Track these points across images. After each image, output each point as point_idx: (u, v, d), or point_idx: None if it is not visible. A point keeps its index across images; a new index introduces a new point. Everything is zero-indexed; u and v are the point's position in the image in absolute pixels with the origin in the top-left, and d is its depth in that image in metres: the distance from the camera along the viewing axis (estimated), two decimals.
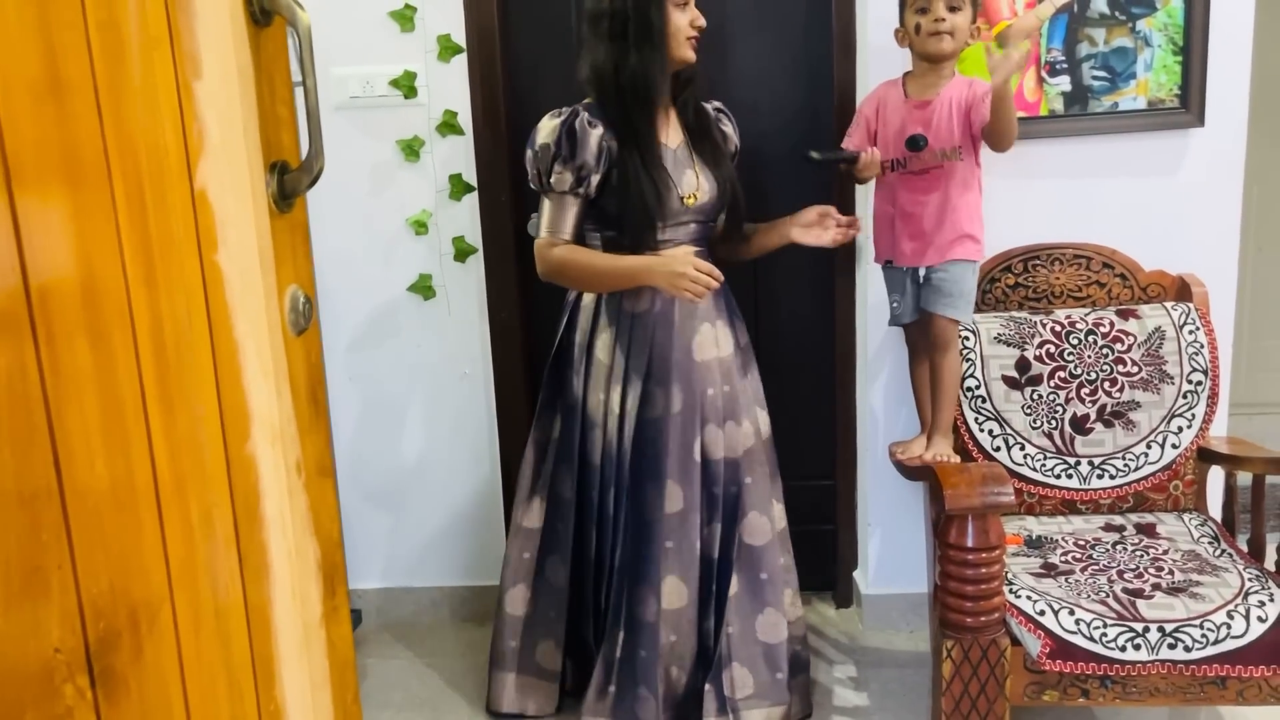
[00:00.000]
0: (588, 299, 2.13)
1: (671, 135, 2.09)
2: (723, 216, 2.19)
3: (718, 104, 2.23)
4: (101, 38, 0.76)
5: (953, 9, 1.94)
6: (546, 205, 2.05)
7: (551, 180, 2.01)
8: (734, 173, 2.16)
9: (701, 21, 2.00)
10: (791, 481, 2.65)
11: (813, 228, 2.16)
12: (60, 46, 0.71)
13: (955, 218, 2.01)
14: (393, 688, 2.43)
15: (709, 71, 2.44)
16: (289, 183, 1.02)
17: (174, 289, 0.84)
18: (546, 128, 2.01)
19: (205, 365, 0.88)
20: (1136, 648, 1.79)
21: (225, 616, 0.91)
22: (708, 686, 2.09)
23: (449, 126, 2.46)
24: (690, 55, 2.02)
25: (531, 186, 2.09)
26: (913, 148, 1.99)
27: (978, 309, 2.27)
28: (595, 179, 2.00)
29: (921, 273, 2.07)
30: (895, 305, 2.13)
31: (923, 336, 2.13)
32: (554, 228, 2.05)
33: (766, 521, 2.13)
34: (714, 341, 2.10)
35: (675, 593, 2.08)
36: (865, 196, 2.33)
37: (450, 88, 2.45)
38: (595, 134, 1.99)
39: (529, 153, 2.04)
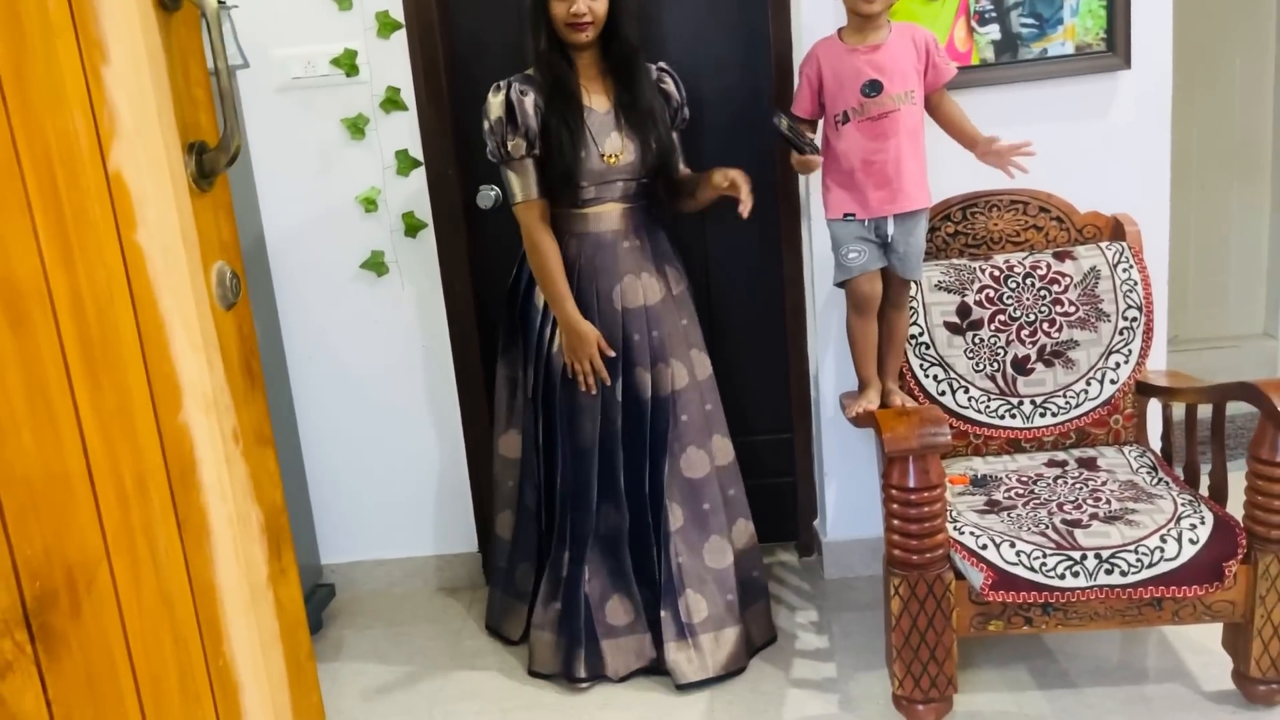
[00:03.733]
0: None
1: (600, 100, 2.20)
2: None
3: (661, 65, 2.30)
4: (1, 30, 0.79)
5: None
6: (511, 174, 2.18)
7: (509, 149, 2.15)
8: (666, 134, 2.23)
9: (579, 8, 2.07)
10: (750, 436, 2.73)
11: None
12: None
13: (917, 161, 2.04)
14: (369, 657, 2.49)
15: (650, 34, 2.48)
16: (208, 162, 1.05)
17: (94, 268, 0.88)
18: (494, 103, 2.15)
19: (130, 340, 0.92)
20: (1075, 575, 1.86)
21: (166, 578, 0.96)
22: (664, 613, 2.24)
23: (392, 103, 2.48)
24: (576, 39, 2.12)
25: (492, 159, 2.21)
26: (870, 93, 2.00)
27: None
28: (539, 140, 2.14)
29: (890, 233, 2.05)
30: (855, 255, 2.06)
31: (875, 287, 2.12)
32: (525, 191, 2.18)
33: (705, 455, 2.27)
34: (639, 291, 2.24)
35: (608, 519, 2.26)
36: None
37: (392, 64, 2.47)
38: (529, 100, 2.14)
39: (485, 126, 2.17)
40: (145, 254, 0.95)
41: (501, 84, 2.16)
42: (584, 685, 2.27)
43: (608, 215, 2.23)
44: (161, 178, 0.98)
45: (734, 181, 2.15)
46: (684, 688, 2.21)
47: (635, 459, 2.25)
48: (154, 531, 0.94)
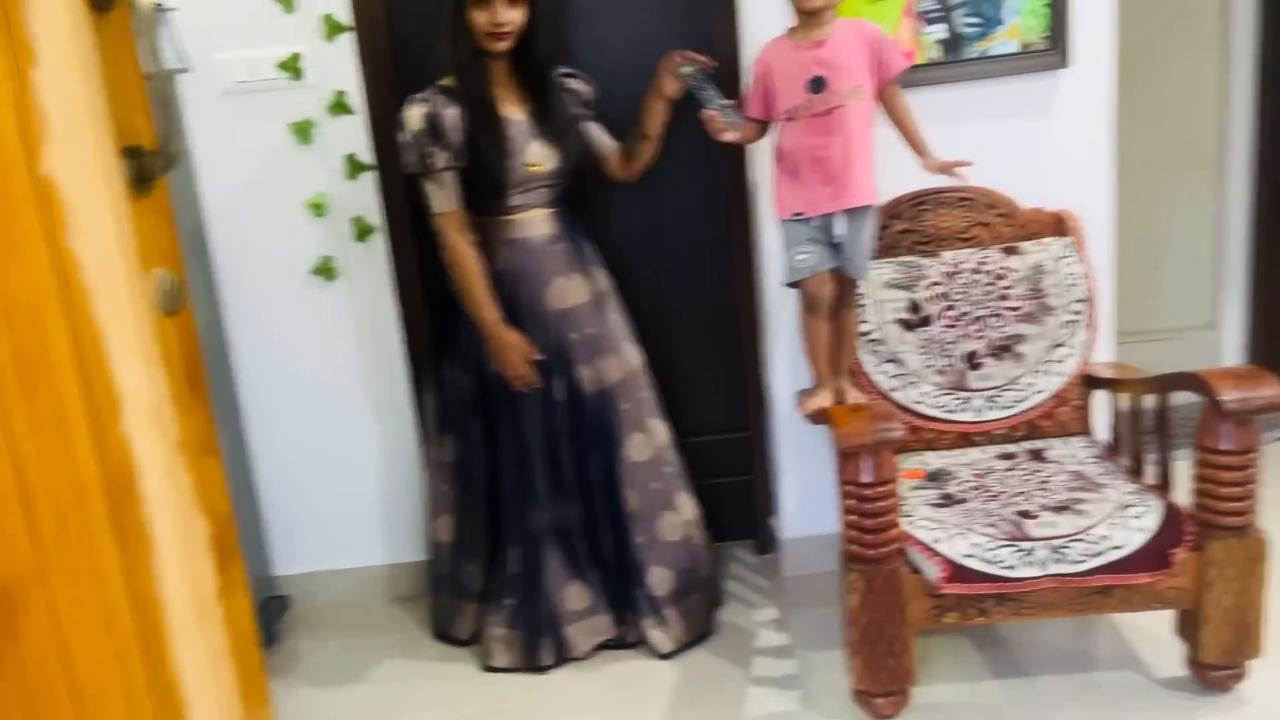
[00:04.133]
0: None
1: (515, 110, 2.25)
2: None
3: (564, 70, 2.35)
4: None
5: None
6: (431, 187, 2.20)
7: (429, 161, 2.17)
8: (582, 139, 2.32)
9: (501, 18, 2.10)
10: (706, 435, 2.74)
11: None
12: None
13: (865, 157, 2.03)
14: (326, 670, 2.45)
15: (598, 38, 2.48)
16: (145, 166, 1.03)
17: (25, 275, 0.86)
18: (414, 115, 2.16)
19: (64, 349, 0.90)
20: (1027, 565, 1.89)
21: (107, 594, 0.94)
22: (636, 593, 2.35)
23: (340, 107, 2.45)
24: (495, 48, 2.15)
25: (409, 171, 2.22)
26: (815, 89, 2.00)
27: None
28: (462, 152, 2.17)
29: (839, 231, 2.05)
30: (805, 257, 2.07)
31: (825, 288, 2.13)
32: (444, 203, 2.21)
33: (646, 439, 2.37)
34: (571, 291, 2.30)
35: (559, 512, 2.33)
36: (766, 153, 2.36)
37: (338, 67, 2.43)
38: (451, 112, 2.16)
39: (403, 139, 2.18)
40: (80, 260, 0.92)
41: (419, 96, 2.18)
42: (547, 671, 2.34)
43: (534, 221, 2.28)
44: (96, 182, 0.95)
45: (666, 73, 2.26)
46: (665, 657, 2.35)
47: (583, 452, 2.33)
48: (93, 547, 0.91)
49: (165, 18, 2.28)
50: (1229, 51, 3.36)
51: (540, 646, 2.33)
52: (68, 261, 0.90)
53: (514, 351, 2.23)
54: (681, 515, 2.40)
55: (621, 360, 2.36)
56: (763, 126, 2.14)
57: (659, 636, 2.35)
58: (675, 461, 2.43)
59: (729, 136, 2.13)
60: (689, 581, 2.39)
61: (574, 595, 2.35)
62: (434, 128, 2.15)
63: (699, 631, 2.39)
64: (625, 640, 2.39)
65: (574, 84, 2.35)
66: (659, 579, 2.35)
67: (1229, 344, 3.52)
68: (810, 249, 2.06)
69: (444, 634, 2.51)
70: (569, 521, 2.34)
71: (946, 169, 2.07)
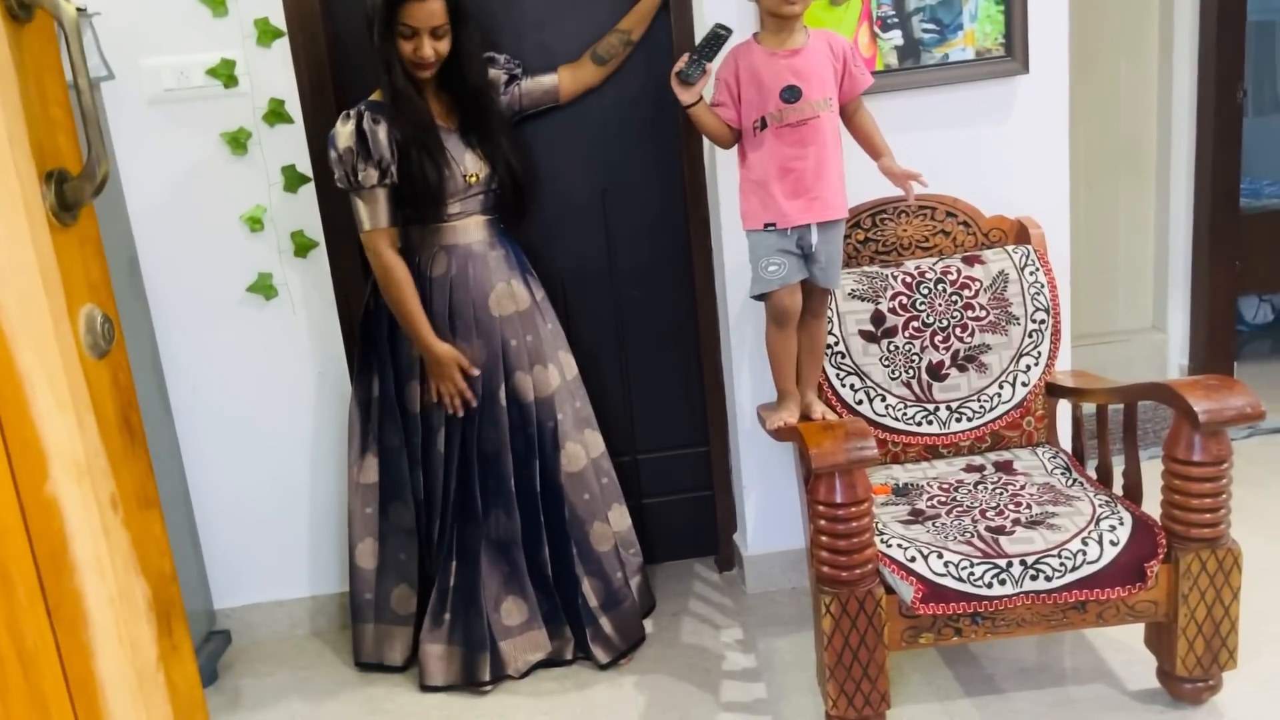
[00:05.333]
0: None
1: (444, 118, 2.24)
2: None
3: (488, 54, 2.31)
4: None
5: None
6: (360, 203, 2.17)
7: (360, 178, 2.13)
8: (514, 148, 2.30)
9: (423, 52, 2.11)
10: (667, 450, 2.68)
11: None
12: None
13: (837, 169, 1.99)
14: (270, 707, 2.33)
15: (547, 41, 2.40)
16: (70, 192, 0.92)
17: None
18: (343, 132, 2.13)
19: None
20: (1002, 583, 1.85)
21: (38, 677, 0.83)
22: (572, 604, 2.35)
23: (276, 115, 2.33)
24: (421, 75, 2.16)
25: (339, 186, 2.18)
26: (789, 99, 1.94)
27: None
28: (394, 168, 2.14)
29: (814, 242, 2.00)
30: (776, 269, 2.00)
31: (795, 300, 2.08)
32: (374, 220, 2.17)
33: (581, 449, 2.35)
34: (511, 297, 2.29)
35: (499, 524, 2.29)
36: (727, 163, 2.30)
37: (274, 74, 2.31)
38: (382, 129, 2.13)
39: (333, 155, 2.15)
40: None
41: (351, 112, 2.14)
42: (486, 689, 2.29)
43: (473, 227, 2.27)
44: (14, 212, 0.85)
45: None
46: (604, 667, 2.34)
47: (524, 461, 2.30)
48: (19, 626, 0.81)
49: (88, 22, 2.14)
50: (1170, 57, 3.39)
51: (478, 663, 2.29)
52: None
53: (449, 366, 2.21)
54: (613, 526, 2.39)
55: (559, 369, 2.35)
56: (735, 132, 2.05)
57: (597, 649, 2.34)
58: (610, 472, 2.42)
59: (686, 97, 1.99)
60: (620, 590, 2.38)
61: (510, 610, 2.32)
62: (363, 145, 2.11)
63: (633, 638, 2.39)
64: (561, 657, 2.36)
65: (493, 73, 2.32)
66: (591, 589, 2.35)
67: (1175, 346, 3.56)
68: (780, 260, 2.00)
69: (372, 663, 2.41)
70: (510, 533, 2.30)
71: (900, 178, 2.02)
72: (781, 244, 1.99)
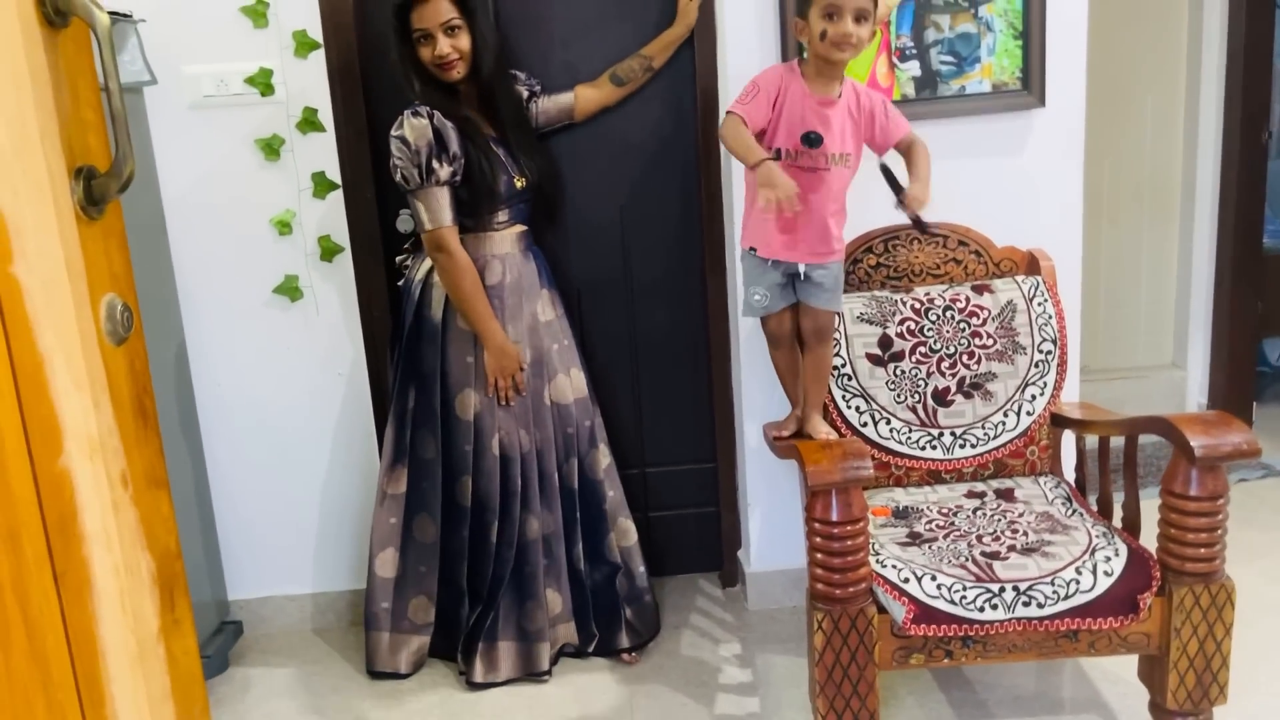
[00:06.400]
0: (438, 277, 2.29)
1: (490, 127, 2.31)
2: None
3: (512, 72, 2.40)
4: None
5: (859, 20, 1.91)
6: (427, 199, 2.19)
7: (434, 175, 2.17)
8: (545, 152, 2.40)
9: (444, 50, 2.16)
10: (675, 466, 2.72)
11: None
12: None
13: (833, 222, 2.03)
14: (278, 698, 2.39)
15: (572, 63, 2.46)
16: (97, 188, 0.99)
17: None
18: (415, 127, 2.16)
19: (4, 380, 0.86)
20: (994, 608, 1.87)
21: (40, 638, 0.89)
22: (603, 597, 2.44)
23: (309, 123, 2.41)
24: (448, 78, 2.21)
25: (403, 185, 2.20)
26: (808, 144, 1.98)
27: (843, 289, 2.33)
28: (462, 168, 2.20)
29: (801, 270, 2.05)
30: (760, 298, 2.08)
31: (785, 328, 2.14)
32: (441, 217, 2.20)
33: (607, 449, 2.45)
34: (549, 304, 2.39)
35: (542, 519, 2.37)
36: (743, 186, 2.35)
37: (309, 84, 2.40)
38: (450, 126, 2.19)
39: (403, 151, 2.17)
40: (23, 288, 0.88)
41: (421, 110, 2.17)
42: (546, 678, 2.38)
43: (517, 236, 2.34)
44: (44, 205, 0.91)
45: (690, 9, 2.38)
46: (629, 650, 2.45)
47: (564, 458, 2.39)
48: (26, 587, 0.86)
49: (133, 29, 2.24)
50: (1197, 96, 3.40)
51: (537, 653, 2.38)
52: (10, 289, 0.86)
53: (514, 360, 2.27)
54: (631, 529, 2.47)
55: (585, 373, 2.44)
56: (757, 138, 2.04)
57: (626, 637, 2.45)
58: (617, 487, 2.48)
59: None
60: (641, 586, 2.47)
61: (552, 601, 2.41)
62: (439, 140, 2.15)
63: (653, 631, 2.49)
64: (584, 650, 2.45)
65: (520, 87, 2.40)
66: (621, 583, 2.45)
67: (1194, 384, 3.55)
68: (764, 290, 2.07)
69: (384, 671, 2.43)
70: (553, 527, 2.38)
71: (916, 210, 2.03)
72: (767, 272, 2.06)
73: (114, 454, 1.00)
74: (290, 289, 2.47)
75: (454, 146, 2.17)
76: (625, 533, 2.45)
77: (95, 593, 0.96)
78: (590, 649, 2.45)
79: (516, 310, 2.31)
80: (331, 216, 2.46)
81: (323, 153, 2.43)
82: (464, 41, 2.18)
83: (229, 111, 2.40)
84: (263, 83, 2.37)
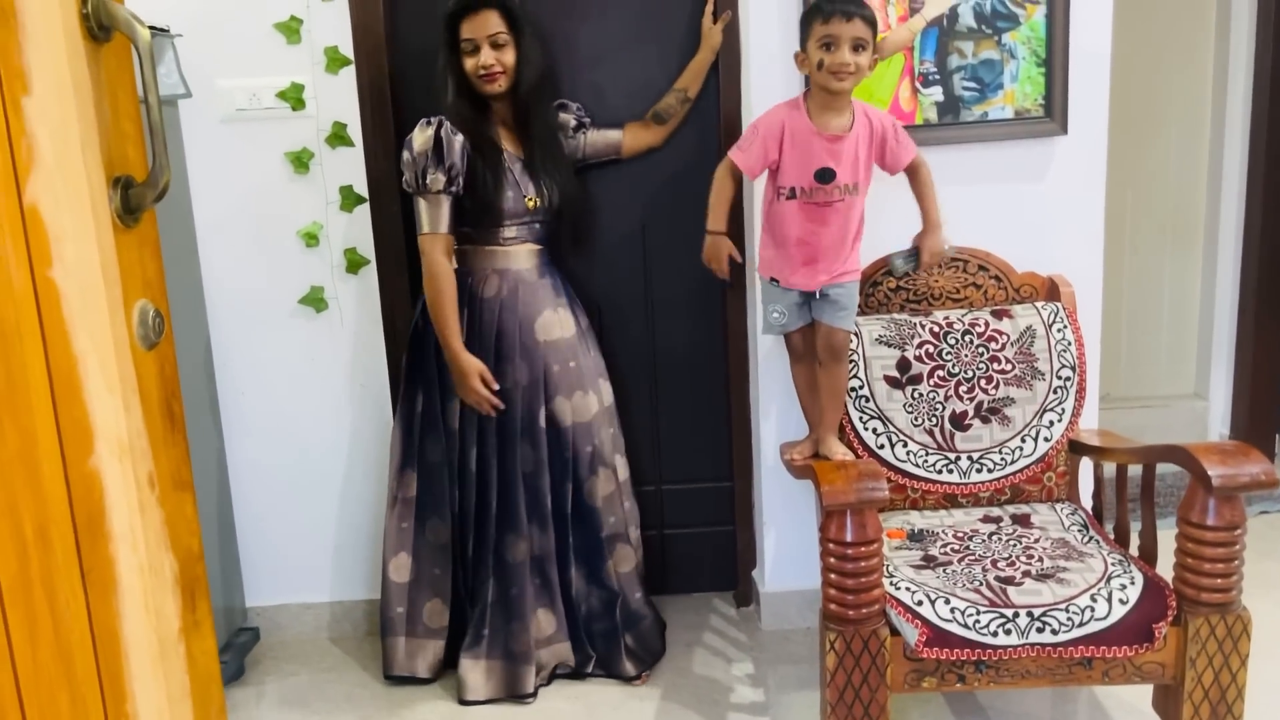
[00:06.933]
0: None
1: (514, 147, 2.35)
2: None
3: (561, 101, 2.46)
4: None
5: (857, 49, 1.96)
6: (424, 205, 2.26)
7: (427, 181, 2.23)
8: (572, 179, 2.40)
9: (487, 61, 2.23)
10: (691, 484, 2.73)
11: None
12: None
13: (848, 247, 2.10)
14: (292, 706, 2.41)
15: (597, 87, 2.49)
16: (134, 197, 1.02)
17: (2, 305, 0.84)
18: (420, 136, 2.24)
19: (40, 381, 0.88)
20: (1007, 633, 1.86)
21: (66, 633, 0.91)
22: (599, 622, 2.43)
23: (338, 138, 2.45)
24: (489, 90, 2.27)
25: (406, 189, 2.29)
26: (821, 180, 2.03)
27: (861, 312, 2.35)
28: (462, 179, 2.24)
29: (817, 291, 2.11)
30: (778, 316, 2.15)
31: (806, 343, 2.19)
32: (434, 224, 2.26)
33: (612, 474, 2.43)
34: (557, 324, 2.38)
35: (535, 540, 2.37)
36: (755, 203, 2.38)
37: (339, 99, 2.44)
38: (458, 140, 2.24)
39: (405, 157, 2.25)
40: (61, 292, 0.91)
41: (432, 120, 2.25)
42: (530, 700, 2.36)
43: (526, 253, 2.36)
44: (82, 213, 0.94)
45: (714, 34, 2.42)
46: (631, 679, 2.42)
47: (559, 481, 2.38)
48: (54, 583, 0.89)
49: (170, 43, 2.29)
50: (1222, 126, 3.40)
51: (522, 675, 2.35)
52: (48, 293, 0.89)
53: (473, 377, 2.27)
54: (633, 548, 2.47)
55: (598, 397, 2.42)
56: (738, 179, 2.15)
57: (628, 664, 2.42)
58: (633, 496, 2.51)
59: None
60: (639, 609, 2.47)
61: (541, 622, 2.40)
62: (437, 150, 2.21)
63: (657, 653, 2.49)
64: (582, 670, 2.44)
65: (563, 116, 2.45)
66: (617, 606, 2.43)
67: (1216, 414, 3.53)
68: (782, 309, 2.14)
69: (401, 675, 2.46)
70: (545, 548, 2.38)
71: (929, 254, 2.15)
72: (785, 292, 2.12)
73: (142, 456, 1.03)
74: (316, 300, 2.51)
75: (453, 158, 2.22)
76: (624, 559, 2.45)
77: (120, 591, 0.98)
78: (588, 669, 2.43)
79: (511, 327, 2.32)
80: (357, 229, 2.50)
81: (351, 167, 2.47)
82: (509, 56, 2.25)
83: (260, 125, 2.44)
84: (294, 97, 2.42)
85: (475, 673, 2.36)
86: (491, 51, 2.22)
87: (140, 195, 1.03)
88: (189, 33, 2.35)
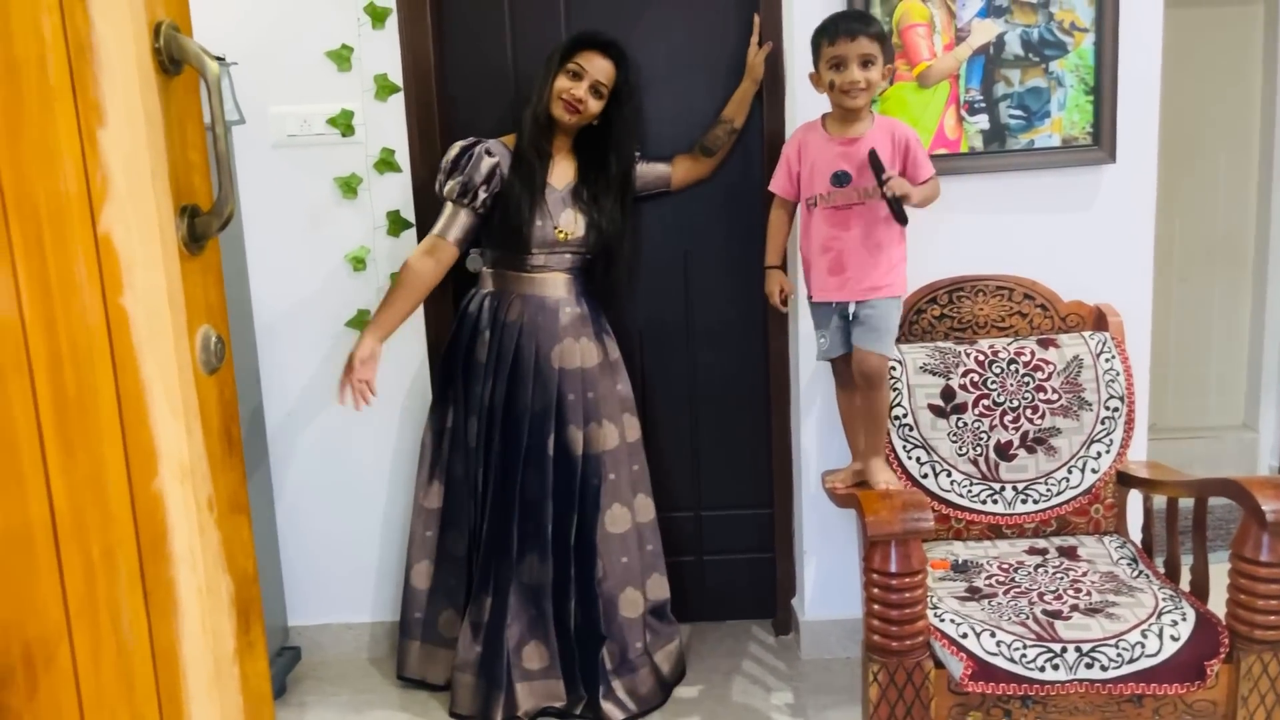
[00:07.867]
0: (474, 305, 2.41)
1: (562, 177, 2.38)
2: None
3: (638, 152, 2.48)
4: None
5: (866, 64, 2.00)
6: (445, 210, 2.35)
7: (445, 190, 2.32)
8: (616, 220, 2.39)
9: (577, 93, 2.28)
10: (731, 510, 2.72)
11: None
12: None
13: (876, 256, 2.06)
14: None
15: (647, 109, 2.52)
16: (199, 225, 1.04)
17: (75, 331, 0.86)
18: (454, 149, 2.34)
19: (109, 406, 0.90)
20: (1055, 668, 1.83)
21: (129, 654, 0.93)
22: (591, 662, 2.36)
23: (386, 164, 2.49)
24: (559, 115, 2.31)
25: (436, 191, 2.37)
26: (838, 184, 2.05)
27: (905, 340, 2.34)
28: (481, 196, 2.30)
29: (851, 309, 2.09)
30: (822, 341, 2.16)
31: (850, 370, 2.18)
32: (443, 229, 2.34)
33: (628, 513, 2.40)
34: (578, 353, 2.37)
35: (532, 569, 2.34)
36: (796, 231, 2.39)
37: (387, 126, 2.48)
38: (489, 160, 2.31)
39: (443, 162, 2.35)
40: (130, 318, 0.93)
41: (474, 139, 2.32)
42: None
43: (553, 281, 2.38)
44: (152, 241, 0.96)
45: (757, 65, 2.42)
46: None
47: (564, 512, 2.35)
48: (119, 604, 0.91)
49: (226, 72, 2.34)
50: (1271, 154, 3.36)
51: (495, 701, 2.32)
52: (119, 319, 0.91)
53: (349, 361, 2.33)
54: (647, 595, 2.42)
55: (620, 430, 2.40)
56: (790, 206, 2.20)
57: (609, 706, 2.35)
58: (657, 540, 2.46)
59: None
60: (637, 660, 2.39)
61: (531, 654, 2.36)
62: (462, 161, 2.29)
63: (649, 704, 2.40)
64: (572, 711, 2.37)
65: (621, 169, 2.43)
66: (608, 651, 2.37)
67: (1266, 446, 3.47)
68: (826, 333, 2.14)
69: (415, 678, 2.50)
70: (542, 579, 2.34)
71: (895, 192, 1.99)
72: (827, 315, 2.12)
73: (202, 479, 1.05)
74: (362, 323, 2.54)
75: (475, 176, 2.28)
76: (631, 604, 2.38)
77: (180, 612, 1.00)
78: (578, 711, 2.36)
79: (527, 353, 2.33)
80: (403, 254, 2.52)
81: (398, 192, 2.51)
82: (596, 106, 2.31)
83: (310, 150, 2.49)
84: (344, 123, 2.46)
85: (463, 687, 2.38)
86: (589, 92, 2.28)
87: (206, 224, 1.05)
88: (243, 60, 2.40)
